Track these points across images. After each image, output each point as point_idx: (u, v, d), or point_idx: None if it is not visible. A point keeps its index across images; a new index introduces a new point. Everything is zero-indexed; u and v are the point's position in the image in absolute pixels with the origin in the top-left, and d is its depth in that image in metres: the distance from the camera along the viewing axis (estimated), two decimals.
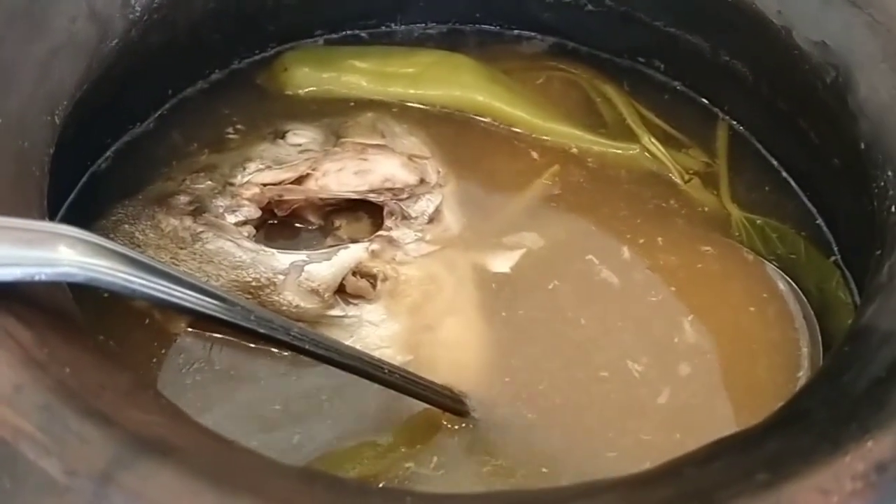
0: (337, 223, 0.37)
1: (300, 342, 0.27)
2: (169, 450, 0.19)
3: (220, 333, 0.33)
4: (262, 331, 0.26)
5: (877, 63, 0.30)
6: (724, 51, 0.39)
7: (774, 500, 0.18)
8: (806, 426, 0.22)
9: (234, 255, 0.33)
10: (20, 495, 0.21)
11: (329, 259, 0.34)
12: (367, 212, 0.37)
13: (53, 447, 0.19)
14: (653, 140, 0.40)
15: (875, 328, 0.24)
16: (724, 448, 0.22)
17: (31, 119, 0.28)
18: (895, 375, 0.22)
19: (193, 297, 0.25)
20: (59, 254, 0.22)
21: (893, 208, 0.28)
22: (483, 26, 0.44)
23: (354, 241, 0.36)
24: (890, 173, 0.28)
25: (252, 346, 0.33)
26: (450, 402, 0.31)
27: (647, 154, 0.39)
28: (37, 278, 0.22)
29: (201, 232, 0.34)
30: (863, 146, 0.30)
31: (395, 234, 0.36)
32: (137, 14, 0.33)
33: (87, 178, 0.37)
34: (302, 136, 0.39)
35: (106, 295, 0.32)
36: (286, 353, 0.33)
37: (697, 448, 0.22)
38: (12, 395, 0.19)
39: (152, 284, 0.23)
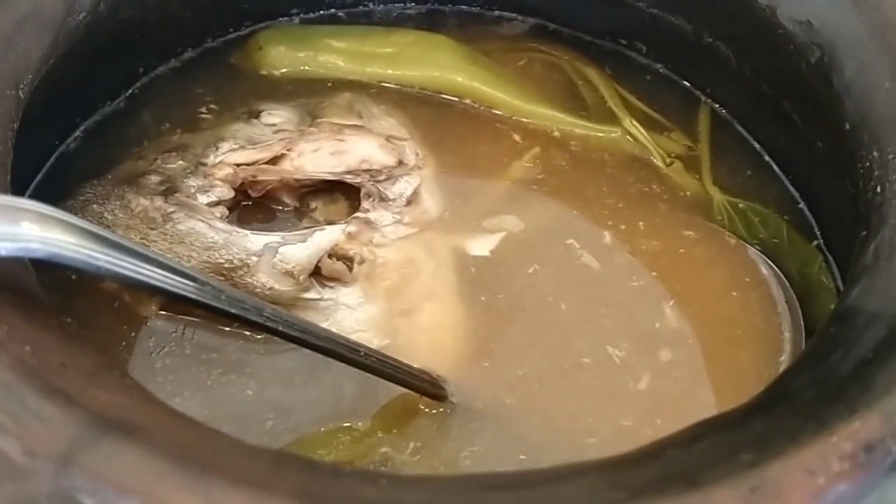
0: (313, 205, 0.36)
1: (273, 323, 0.26)
2: (133, 430, 0.18)
3: (191, 316, 0.32)
4: (233, 311, 0.25)
5: (863, 42, 0.30)
6: (706, 32, 0.38)
7: (760, 481, 0.18)
8: (792, 407, 0.21)
9: (206, 235, 0.32)
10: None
11: (304, 241, 0.33)
12: (343, 193, 0.37)
13: (11, 427, 0.18)
14: (635, 123, 0.39)
15: (861, 309, 0.24)
16: (707, 429, 0.21)
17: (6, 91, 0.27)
18: (881, 356, 0.21)
19: (162, 275, 0.24)
20: (21, 228, 0.21)
21: (878, 189, 0.27)
22: (463, 7, 0.44)
23: (330, 223, 0.35)
24: (875, 154, 0.28)
25: (225, 329, 0.32)
26: (428, 387, 0.31)
27: (628, 137, 0.39)
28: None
29: (172, 212, 0.33)
30: (848, 127, 0.29)
31: (372, 215, 0.35)
32: None
33: (55, 158, 0.36)
34: (277, 115, 0.38)
35: (74, 276, 0.32)
36: (259, 337, 0.32)
37: (681, 429, 0.22)
38: None
39: (119, 262, 0.23)
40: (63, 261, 0.22)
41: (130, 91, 0.39)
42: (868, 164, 0.28)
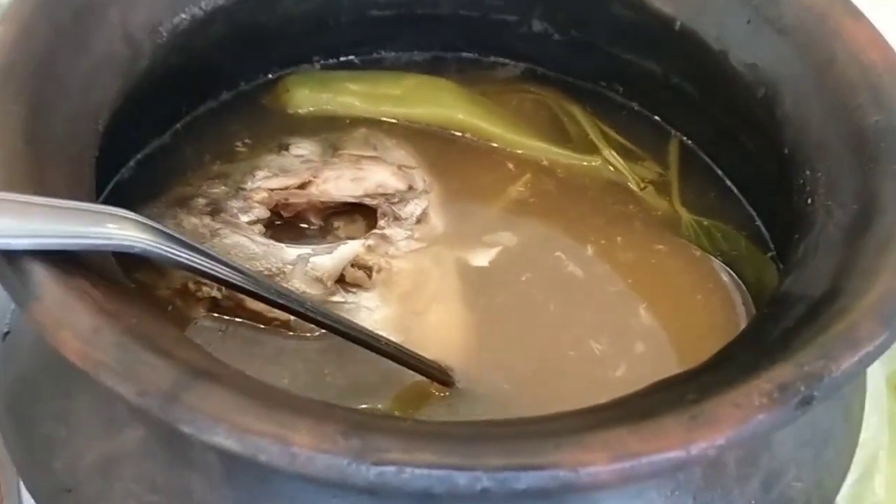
0: (336, 224, 0.42)
1: (313, 313, 0.32)
2: (217, 377, 0.24)
3: (234, 316, 0.38)
4: (280, 301, 0.31)
5: (799, 80, 0.36)
6: (673, 74, 0.44)
7: (698, 411, 0.23)
8: (730, 364, 0.27)
9: (248, 248, 0.38)
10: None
11: (331, 252, 0.39)
12: (362, 214, 0.42)
13: (128, 375, 0.23)
14: (613, 153, 0.45)
15: (790, 294, 0.30)
16: (664, 383, 0.27)
17: (81, 126, 0.33)
18: (800, 325, 0.27)
19: (225, 270, 0.29)
20: (121, 230, 0.27)
21: (809, 201, 0.33)
22: (462, 54, 0.49)
23: (351, 239, 0.41)
24: (808, 173, 0.34)
25: (261, 327, 0.37)
26: (437, 374, 0.36)
27: (608, 166, 0.45)
28: (102, 248, 0.27)
29: (219, 229, 0.39)
30: (786, 151, 0.35)
31: (387, 232, 0.41)
32: (164, 39, 0.38)
33: (113, 185, 0.42)
34: (303, 148, 0.44)
35: (133, 285, 0.38)
36: (291, 334, 0.37)
37: (644, 386, 0.27)
38: (92, 336, 0.24)
39: (191, 258, 0.29)
40: (150, 255, 0.28)
41: (175, 128, 0.45)
42: (802, 181, 0.34)
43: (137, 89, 0.37)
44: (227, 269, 0.29)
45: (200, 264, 0.29)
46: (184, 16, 0.38)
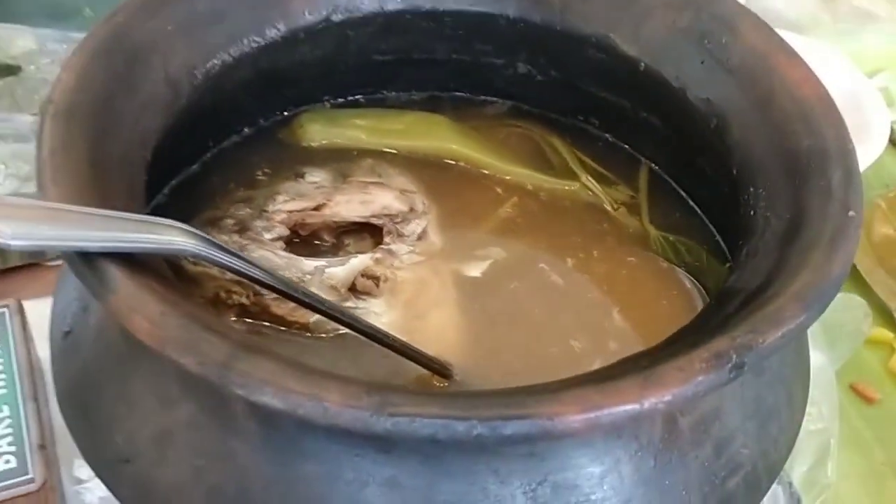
0: (346, 241, 0.48)
1: (331, 310, 0.38)
2: (262, 351, 0.30)
3: (259, 320, 0.43)
4: (306, 300, 0.37)
5: (745, 112, 0.42)
6: (641, 109, 0.50)
7: (649, 374, 0.29)
8: (679, 343, 0.32)
9: (272, 260, 0.44)
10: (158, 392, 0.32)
11: (343, 264, 0.45)
12: (369, 233, 0.48)
13: (190, 349, 0.29)
14: (590, 179, 0.51)
15: (732, 289, 0.36)
16: (626, 359, 0.33)
17: (133, 154, 0.39)
18: (737, 310, 0.33)
19: (257, 271, 0.35)
20: (176, 237, 0.33)
21: (752, 213, 0.39)
22: (456, 93, 0.56)
23: (361, 253, 0.46)
24: (751, 189, 0.40)
25: (283, 329, 0.43)
26: (438, 367, 0.41)
27: (586, 189, 0.51)
28: (161, 251, 0.33)
29: (246, 244, 0.44)
30: (735, 172, 0.41)
31: (392, 247, 0.46)
32: (199, 80, 0.44)
33: (150, 209, 0.48)
34: (317, 176, 0.50)
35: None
36: (310, 336, 0.43)
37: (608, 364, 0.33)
38: (159, 318, 0.30)
39: (231, 260, 0.34)
40: (201, 258, 0.33)
41: (203, 159, 0.51)
42: (747, 196, 0.40)
43: (176, 125, 0.43)
44: (259, 271, 0.35)
45: (238, 266, 0.34)
46: (216, 61, 0.44)
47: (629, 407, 0.28)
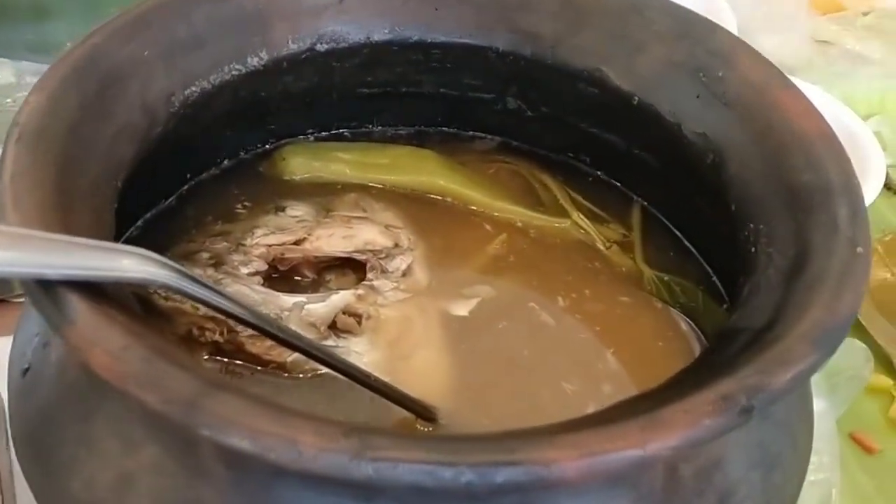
0: (328, 277, 0.46)
1: (310, 348, 0.36)
2: (231, 389, 0.27)
3: (233, 359, 0.41)
4: (283, 336, 0.35)
5: (743, 146, 0.40)
6: (634, 145, 0.48)
7: (651, 417, 0.27)
8: (681, 385, 0.30)
9: (249, 295, 0.42)
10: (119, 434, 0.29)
11: (324, 300, 0.43)
12: (352, 268, 0.46)
13: (153, 385, 0.27)
14: (581, 216, 0.49)
15: (735, 328, 0.34)
16: (624, 402, 0.31)
17: (102, 183, 0.37)
18: (743, 351, 0.31)
19: (236, 307, 0.33)
20: (144, 266, 0.31)
21: (752, 249, 0.37)
22: (443, 128, 0.54)
23: (343, 290, 0.44)
24: (751, 225, 0.38)
25: (259, 368, 0.41)
26: (422, 410, 0.39)
27: (577, 227, 0.49)
28: (128, 280, 0.31)
29: (221, 279, 0.42)
30: (733, 208, 0.40)
31: (376, 283, 0.44)
32: (176, 108, 0.42)
33: (123, 241, 0.45)
34: (298, 209, 0.48)
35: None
36: (287, 376, 0.41)
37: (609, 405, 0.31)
38: (121, 353, 0.27)
39: (202, 292, 0.32)
40: (170, 288, 0.31)
41: (179, 192, 0.49)
42: (746, 233, 0.38)
43: (151, 154, 0.41)
44: (235, 305, 0.33)
45: (212, 299, 0.32)
46: (195, 88, 0.43)
47: (631, 452, 0.26)
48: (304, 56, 0.46)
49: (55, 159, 0.35)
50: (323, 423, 0.26)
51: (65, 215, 0.33)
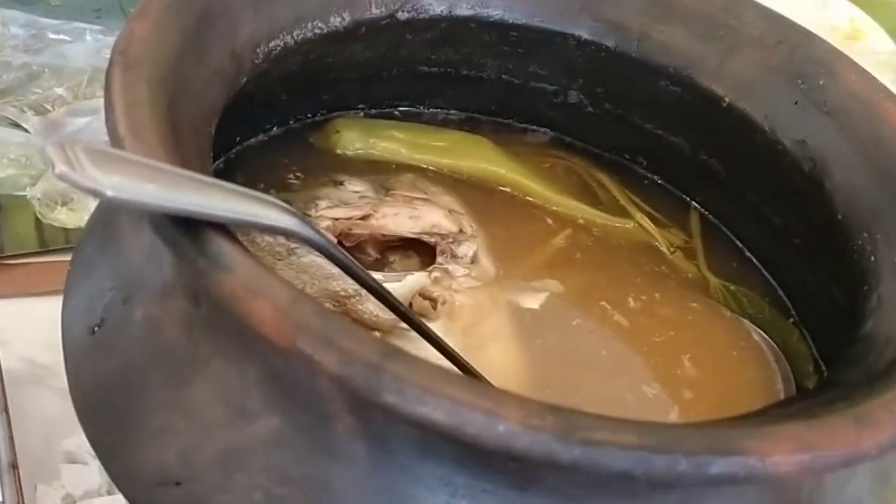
0: (391, 258, 0.43)
1: (412, 315, 0.34)
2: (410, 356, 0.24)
3: None
4: (392, 299, 0.32)
5: (847, 155, 0.40)
6: (702, 150, 0.47)
7: (860, 413, 0.25)
8: (841, 388, 0.29)
9: (324, 268, 0.39)
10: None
11: (400, 281, 0.40)
12: (415, 251, 0.43)
13: (330, 343, 0.24)
14: (644, 218, 0.48)
15: (875, 335, 0.33)
16: (785, 402, 0.29)
17: (200, 127, 0.33)
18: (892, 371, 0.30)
19: (352, 261, 0.31)
20: (285, 216, 0.28)
21: (872, 258, 0.36)
22: (496, 118, 0.52)
23: (408, 273, 0.42)
24: (865, 235, 0.37)
25: None
26: None
27: (641, 229, 0.47)
28: (271, 227, 0.28)
29: (295, 248, 0.39)
30: (840, 217, 0.39)
31: (448, 267, 0.42)
32: (259, 60, 0.39)
33: None
34: (357, 185, 0.45)
35: None
36: None
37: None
38: (290, 305, 0.24)
39: (331, 247, 0.30)
40: (310, 241, 0.29)
41: (227, 156, 0.45)
42: (860, 242, 0.37)
43: (230, 106, 0.38)
44: (350, 260, 0.31)
45: (335, 252, 0.30)
46: (278, 41, 0.39)
47: (845, 449, 0.24)
48: (383, 23, 0.44)
49: (164, 93, 0.31)
50: (524, 399, 0.24)
51: (181, 153, 0.29)
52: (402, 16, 0.44)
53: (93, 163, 0.23)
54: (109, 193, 0.24)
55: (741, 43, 0.44)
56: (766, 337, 0.43)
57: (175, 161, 0.28)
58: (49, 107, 0.61)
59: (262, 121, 0.46)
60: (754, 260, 0.47)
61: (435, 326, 0.39)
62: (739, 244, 0.48)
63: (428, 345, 0.39)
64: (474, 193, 0.47)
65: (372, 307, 0.38)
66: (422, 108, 0.51)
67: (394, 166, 0.47)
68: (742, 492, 0.28)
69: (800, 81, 0.42)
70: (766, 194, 0.45)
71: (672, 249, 0.47)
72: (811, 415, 0.26)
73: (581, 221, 0.47)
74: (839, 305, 0.39)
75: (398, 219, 0.43)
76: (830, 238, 0.39)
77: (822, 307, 0.42)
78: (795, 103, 0.42)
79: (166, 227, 0.26)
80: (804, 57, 0.42)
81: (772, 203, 0.45)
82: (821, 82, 0.42)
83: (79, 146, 0.23)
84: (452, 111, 0.51)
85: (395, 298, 0.34)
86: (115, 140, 0.28)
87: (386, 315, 0.38)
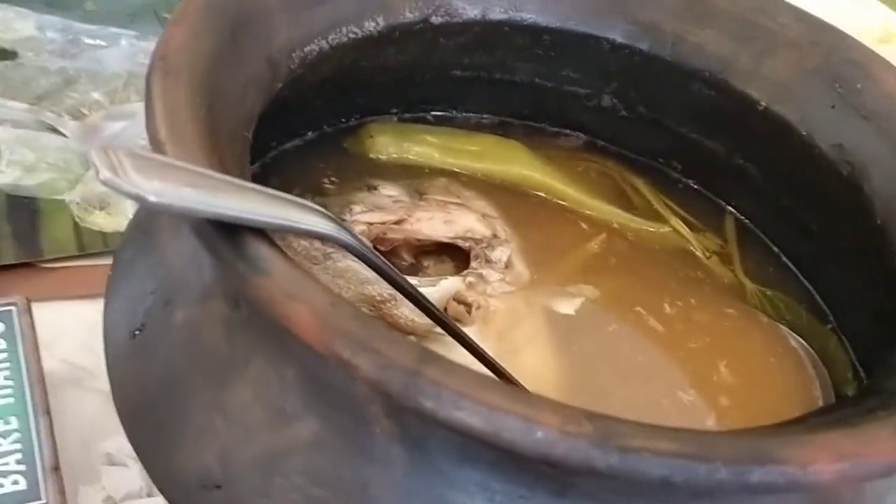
0: (425, 263, 0.43)
1: (447, 320, 0.34)
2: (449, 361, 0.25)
3: None
4: (429, 305, 0.32)
5: (886, 159, 0.39)
6: (738, 155, 0.47)
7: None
8: (881, 396, 0.29)
9: (360, 273, 0.39)
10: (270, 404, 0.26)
11: (435, 285, 0.40)
12: (449, 256, 0.43)
13: (368, 348, 0.24)
14: (679, 222, 0.48)
15: None
16: (824, 410, 0.29)
17: (237, 133, 0.34)
18: None
19: (389, 267, 0.31)
20: (323, 220, 0.28)
21: None
22: (528, 122, 0.52)
23: (443, 277, 0.42)
24: None
25: None
26: None
27: (675, 234, 0.47)
28: (309, 231, 0.28)
29: (331, 253, 0.39)
30: (879, 222, 0.38)
31: (483, 272, 0.42)
32: (294, 66, 0.39)
33: None
34: (391, 190, 0.45)
35: None
36: None
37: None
38: (329, 309, 0.24)
39: (368, 252, 0.30)
40: (347, 246, 0.29)
41: (262, 160, 0.45)
42: None
43: (266, 112, 0.38)
44: (387, 265, 0.31)
45: (372, 257, 0.30)
46: (314, 47, 0.40)
47: (886, 458, 0.24)
48: (417, 27, 0.44)
49: (204, 97, 0.31)
50: (561, 405, 0.24)
51: (220, 159, 0.30)
52: (435, 20, 0.44)
53: (135, 168, 0.24)
54: (152, 199, 0.24)
55: (776, 45, 0.43)
56: (804, 343, 0.43)
57: (214, 166, 0.29)
58: (86, 111, 0.62)
59: (297, 125, 0.46)
60: (791, 265, 0.47)
61: (469, 331, 0.39)
62: (776, 249, 0.47)
63: (463, 350, 0.39)
64: (508, 198, 0.47)
65: (407, 312, 0.38)
66: (455, 112, 0.51)
67: (427, 170, 0.47)
68: (781, 500, 0.28)
69: (836, 84, 0.42)
70: (803, 199, 0.45)
71: (707, 254, 0.47)
72: (851, 423, 0.25)
73: (615, 226, 0.47)
74: (878, 311, 0.39)
75: (432, 223, 0.43)
76: (869, 243, 0.39)
77: (861, 313, 0.42)
78: (832, 107, 0.42)
79: (206, 231, 0.26)
80: (840, 59, 0.42)
81: (809, 208, 0.44)
82: (858, 85, 0.41)
83: (122, 152, 0.24)
84: (485, 115, 0.51)
85: (430, 303, 0.34)
86: (156, 145, 0.28)
87: (421, 320, 0.38)
